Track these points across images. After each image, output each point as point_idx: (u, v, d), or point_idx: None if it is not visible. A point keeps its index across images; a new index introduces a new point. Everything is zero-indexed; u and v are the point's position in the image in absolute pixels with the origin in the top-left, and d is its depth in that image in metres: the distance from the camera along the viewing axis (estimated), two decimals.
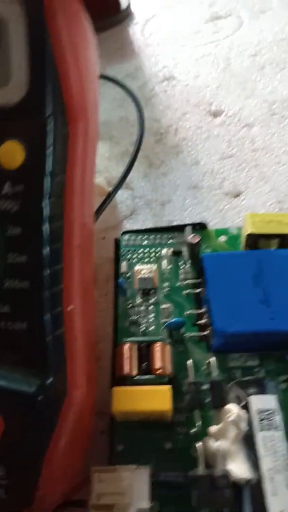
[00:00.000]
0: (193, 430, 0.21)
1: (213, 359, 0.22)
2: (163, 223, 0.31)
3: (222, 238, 0.29)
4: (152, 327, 0.25)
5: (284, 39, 0.47)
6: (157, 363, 0.21)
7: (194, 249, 0.27)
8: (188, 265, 0.27)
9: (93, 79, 0.22)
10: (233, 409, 0.20)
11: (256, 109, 0.39)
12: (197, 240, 0.26)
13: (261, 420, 0.19)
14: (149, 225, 0.31)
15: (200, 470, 0.19)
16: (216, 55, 0.46)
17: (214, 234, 0.29)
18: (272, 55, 0.45)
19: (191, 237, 0.27)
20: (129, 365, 0.22)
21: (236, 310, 0.23)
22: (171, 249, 0.28)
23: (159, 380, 0.21)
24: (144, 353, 0.22)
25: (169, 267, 0.27)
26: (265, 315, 0.22)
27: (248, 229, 0.26)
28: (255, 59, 0.45)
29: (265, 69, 0.43)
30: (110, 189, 0.31)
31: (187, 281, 0.26)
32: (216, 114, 0.39)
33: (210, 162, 0.35)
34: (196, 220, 0.31)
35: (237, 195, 0.32)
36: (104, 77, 0.36)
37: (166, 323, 0.24)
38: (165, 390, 0.20)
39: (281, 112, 0.38)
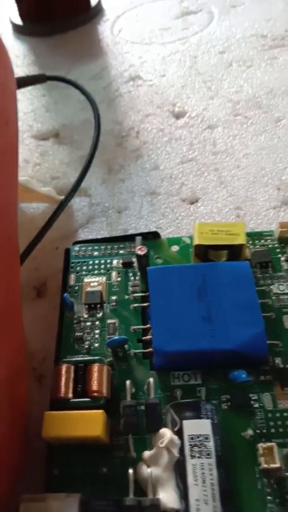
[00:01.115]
0: (130, 455, 0.20)
1: (151, 379, 0.21)
2: (118, 232, 0.30)
3: (175, 248, 0.28)
4: (97, 344, 0.24)
5: (254, 35, 0.45)
6: (93, 385, 0.20)
7: (142, 261, 0.26)
8: (137, 277, 0.26)
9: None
10: (166, 434, 0.19)
11: (220, 109, 0.38)
12: (144, 252, 0.25)
13: (192, 446, 0.18)
14: (105, 234, 0.30)
15: (130, 498, 0.18)
16: (183, 53, 0.44)
17: (167, 243, 0.28)
18: (240, 52, 0.43)
19: (138, 249, 0.25)
20: (65, 388, 0.21)
21: (176, 327, 0.22)
22: (121, 261, 0.27)
23: (95, 403, 0.20)
24: (81, 374, 0.21)
25: (119, 279, 0.26)
26: (206, 333, 0.22)
27: (195, 240, 0.25)
28: (222, 57, 0.43)
29: (232, 67, 0.42)
30: (62, 197, 0.30)
31: (135, 295, 0.25)
32: (179, 116, 0.38)
33: (169, 167, 0.34)
34: (152, 228, 0.30)
35: (195, 201, 0.31)
36: (60, 79, 0.34)
37: (107, 341, 0.23)
38: (98, 415, 0.19)
39: (244, 112, 0.37)
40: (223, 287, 0.23)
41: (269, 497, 0.19)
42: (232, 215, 0.30)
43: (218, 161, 0.33)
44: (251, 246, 0.27)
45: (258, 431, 0.21)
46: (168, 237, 0.28)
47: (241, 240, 0.25)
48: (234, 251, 0.25)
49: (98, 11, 0.54)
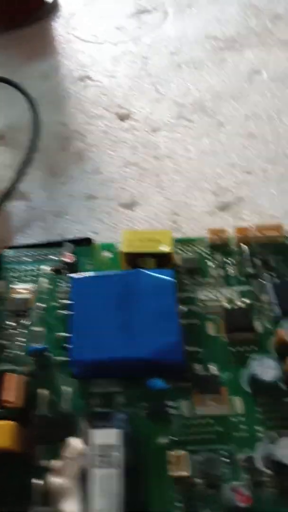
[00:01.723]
0: (41, 465, 0.20)
1: (68, 389, 0.21)
2: (55, 237, 0.30)
3: (107, 254, 0.28)
4: (20, 352, 0.24)
5: (206, 36, 0.45)
6: (4, 395, 0.20)
7: (70, 268, 0.26)
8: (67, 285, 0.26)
9: None
10: (74, 444, 0.19)
11: (165, 112, 0.38)
12: (71, 260, 0.25)
13: (99, 456, 0.18)
14: (41, 238, 0.30)
15: (36, 509, 0.18)
16: (134, 53, 0.44)
17: (100, 249, 0.28)
18: (190, 54, 0.43)
19: (66, 256, 0.25)
20: None
21: (93, 336, 0.22)
22: (51, 267, 0.27)
23: (7, 413, 0.20)
24: None
25: (48, 286, 0.26)
26: (122, 342, 0.22)
27: (122, 248, 0.25)
28: (173, 58, 0.43)
29: (181, 69, 0.42)
30: None
31: (63, 302, 0.25)
32: (124, 118, 0.38)
33: (111, 171, 0.34)
34: (88, 233, 0.30)
35: (133, 206, 0.31)
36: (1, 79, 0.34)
37: (28, 349, 0.23)
38: (7, 426, 0.19)
39: (189, 115, 0.37)
40: (144, 296, 0.23)
41: (177, 504, 0.19)
42: (168, 220, 0.30)
43: (159, 165, 0.33)
44: (182, 253, 0.27)
45: (175, 438, 0.21)
46: (101, 243, 0.28)
47: (167, 248, 0.25)
48: (162, 259, 0.26)
49: (53, 7, 0.53)
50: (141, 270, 0.25)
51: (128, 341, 0.22)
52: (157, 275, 0.24)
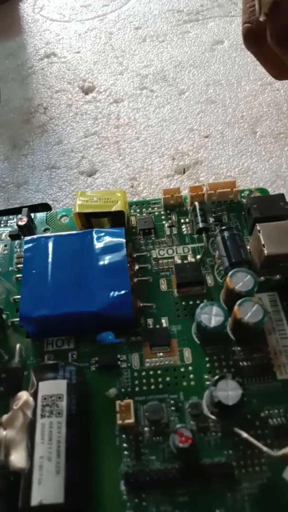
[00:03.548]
0: None
1: (18, 345, 0.21)
2: (15, 206, 0.29)
3: (65, 220, 0.27)
4: None
5: (170, 10, 0.44)
6: None
7: (27, 233, 0.25)
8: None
9: None
10: (22, 396, 0.18)
11: (128, 83, 0.37)
12: (24, 223, 0.24)
13: (44, 406, 0.18)
14: (1, 208, 0.29)
15: None
16: (100, 29, 0.43)
17: (57, 215, 0.27)
18: (155, 27, 0.42)
19: (19, 219, 0.25)
20: None
21: (43, 294, 0.21)
22: (8, 232, 0.26)
23: None
24: None
25: (5, 252, 0.26)
26: (72, 298, 0.21)
27: (75, 209, 0.24)
28: (137, 33, 0.42)
29: (145, 42, 0.41)
30: None
31: (19, 266, 0.25)
32: (88, 91, 0.37)
33: (72, 141, 0.33)
34: (49, 201, 0.29)
35: (93, 173, 0.30)
36: None
37: None
38: None
39: (151, 85, 0.36)
40: (95, 254, 0.22)
41: (125, 452, 0.19)
42: (126, 185, 0.29)
43: (120, 134, 0.33)
44: (138, 214, 0.27)
45: (123, 390, 0.20)
46: (58, 209, 0.28)
47: (120, 206, 0.24)
48: (116, 219, 0.25)
49: None
50: (94, 229, 0.24)
51: (77, 297, 0.21)
52: (108, 233, 0.23)
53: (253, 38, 0.26)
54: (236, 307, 0.20)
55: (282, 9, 0.23)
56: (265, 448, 0.16)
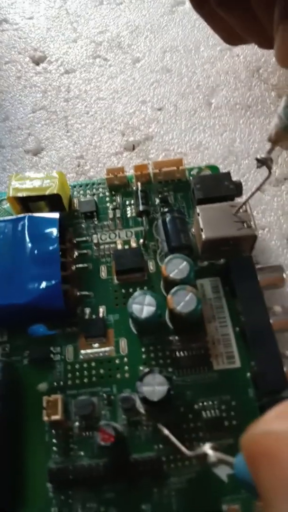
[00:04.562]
0: None
1: None
2: None
3: (4, 204, 0.25)
4: None
5: None
6: None
7: None
8: None
9: None
10: None
11: (82, 52, 0.34)
12: None
13: None
14: None
15: None
16: None
17: None
18: None
19: None
20: None
21: None
22: None
23: None
24: None
25: None
26: (3, 289, 0.20)
27: (8, 192, 0.23)
28: None
29: (102, 5, 0.38)
30: None
31: None
32: (39, 61, 0.34)
33: (19, 117, 0.31)
34: None
35: (38, 152, 0.28)
36: None
37: None
38: None
39: (105, 54, 0.33)
40: (27, 242, 0.21)
41: (54, 448, 0.18)
42: (73, 164, 0.27)
43: (69, 108, 0.30)
44: (82, 197, 0.25)
45: (55, 383, 0.20)
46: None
47: (56, 189, 0.23)
48: (53, 203, 0.23)
49: None
50: (29, 215, 0.23)
51: (7, 289, 0.20)
52: (42, 219, 0.22)
53: (199, 0, 0.24)
54: (169, 296, 0.19)
55: None
56: (182, 448, 0.15)
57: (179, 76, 0.31)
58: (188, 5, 0.36)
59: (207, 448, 0.14)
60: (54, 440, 0.18)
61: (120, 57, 0.33)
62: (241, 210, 0.21)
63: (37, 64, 0.34)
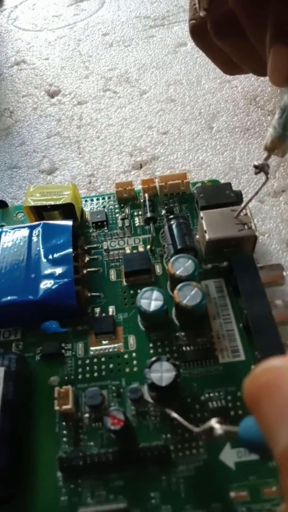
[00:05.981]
0: None
1: None
2: None
3: (20, 215, 0.27)
4: None
5: (137, 17, 0.44)
6: None
7: None
8: None
9: None
10: None
11: (93, 86, 0.37)
12: None
13: None
14: None
15: None
16: (69, 37, 0.44)
17: (13, 211, 0.27)
18: (122, 33, 0.43)
19: None
20: None
21: None
22: None
23: None
24: None
25: None
26: (17, 288, 0.21)
27: (25, 202, 0.24)
28: (104, 38, 0.42)
29: (111, 47, 0.41)
30: None
31: None
32: (54, 94, 0.37)
33: (35, 142, 0.33)
34: (8, 199, 0.29)
35: (52, 172, 0.30)
36: None
37: None
38: None
39: (114, 87, 0.36)
40: (42, 245, 0.22)
41: (64, 439, 0.19)
42: (84, 181, 0.29)
43: (81, 133, 0.33)
44: (92, 208, 0.27)
45: (66, 377, 0.20)
46: (14, 205, 0.28)
47: (69, 199, 0.24)
48: (66, 212, 0.25)
49: None
50: (44, 222, 0.24)
51: (22, 287, 0.21)
52: (55, 225, 0.23)
53: (198, 34, 0.27)
54: (175, 292, 0.20)
55: (217, 3, 0.23)
56: (190, 426, 0.16)
57: (183, 105, 0.33)
58: (189, 45, 0.40)
59: (213, 422, 0.14)
60: (64, 432, 0.19)
61: (128, 90, 0.36)
62: (241, 214, 0.22)
63: (52, 97, 0.37)
